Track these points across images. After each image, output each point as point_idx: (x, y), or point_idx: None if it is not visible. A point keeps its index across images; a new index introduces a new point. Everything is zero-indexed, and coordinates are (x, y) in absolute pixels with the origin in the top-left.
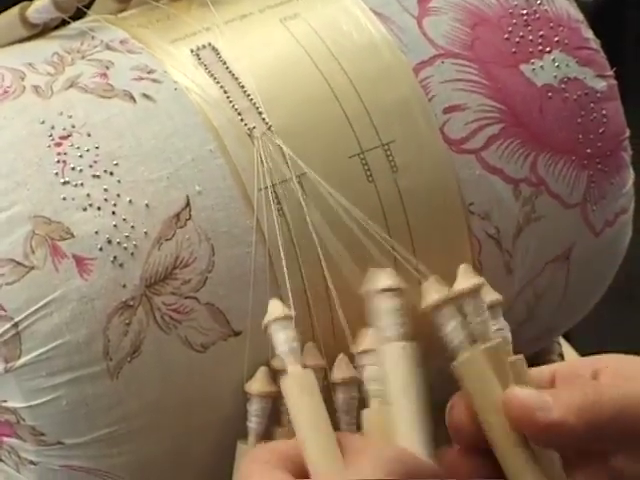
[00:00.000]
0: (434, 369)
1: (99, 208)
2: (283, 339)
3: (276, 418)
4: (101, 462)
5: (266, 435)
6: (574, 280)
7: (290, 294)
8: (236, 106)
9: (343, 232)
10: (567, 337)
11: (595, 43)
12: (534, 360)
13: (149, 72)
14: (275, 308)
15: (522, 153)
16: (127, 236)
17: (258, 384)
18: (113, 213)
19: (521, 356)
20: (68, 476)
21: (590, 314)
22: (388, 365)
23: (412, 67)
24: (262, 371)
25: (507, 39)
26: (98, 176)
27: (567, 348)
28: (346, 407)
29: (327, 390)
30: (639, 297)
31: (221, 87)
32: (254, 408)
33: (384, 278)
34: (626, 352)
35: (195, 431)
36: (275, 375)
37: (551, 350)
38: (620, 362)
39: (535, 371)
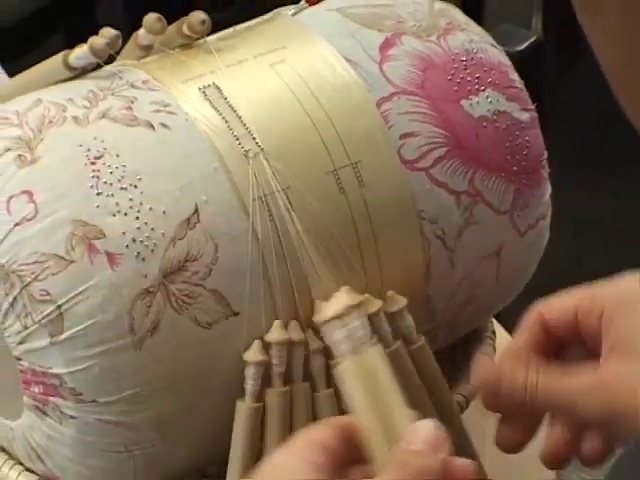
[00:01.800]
0: None
1: (126, 214)
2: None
3: (268, 381)
4: (127, 416)
5: (260, 395)
6: (504, 272)
7: (278, 283)
8: (235, 133)
9: (319, 234)
10: (498, 317)
11: (519, 83)
12: (471, 335)
13: (165, 106)
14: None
15: (462, 170)
16: (148, 236)
17: (254, 353)
18: (137, 218)
19: (421, 343)
20: (100, 428)
21: (516, 299)
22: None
23: (375, 102)
24: (257, 343)
25: (450, 80)
26: (125, 188)
27: (498, 327)
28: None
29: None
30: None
31: (223, 118)
32: (251, 373)
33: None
34: None
35: (202, 392)
36: (266, 347)
37: (486, 327)
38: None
39: (558, 309)
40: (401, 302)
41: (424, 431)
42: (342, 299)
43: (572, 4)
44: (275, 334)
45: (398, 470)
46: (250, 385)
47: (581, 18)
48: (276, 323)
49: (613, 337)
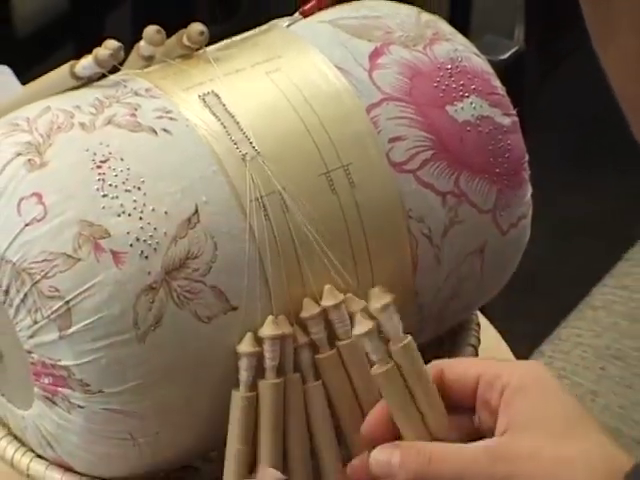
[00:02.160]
0: None
1: (129, 215)
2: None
3: (260, 372)
4: (131, 406)
5: (253, 385)
6: (487, 268)
7: (273, 279)
8: (233, 138)
9: (312, 233)
10: (482, 310)
11: (502, 90)
12: (456, 327)
13: (167, 112)
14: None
15: (448, 172)
16: (151, 235)
17: (246, 346)
18: (140, 218)
19: (408, 339)
20: (107, 417)
21: (499, 294)
22: None
23: (365, 108)
24: (249, 336)
25: (436, 87)
26: (129, 190)
27: (482, 319)
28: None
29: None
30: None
31: (221, 124)
32: (244, 364)
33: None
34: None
35: (201, 383)
36: (259, 340)
37: (471, 320)
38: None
39: (460, 371)
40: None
41: None
42: (326, 298)
43: (555, 18)
44: (268, 329)
45: None
46: (244, 376)
47: (597, 49)
48: (269, 318)
49: (510, 417)
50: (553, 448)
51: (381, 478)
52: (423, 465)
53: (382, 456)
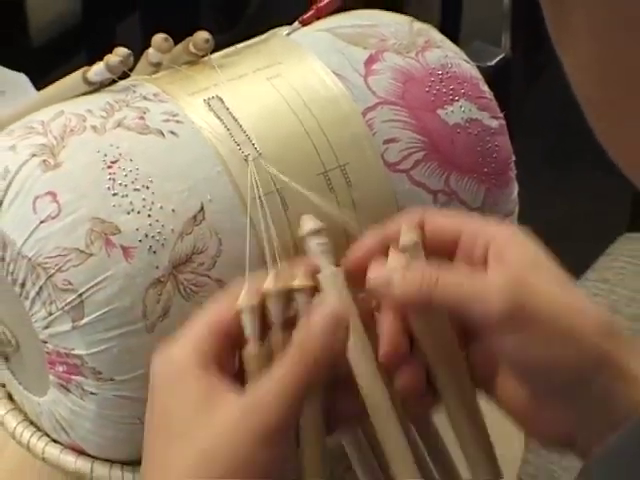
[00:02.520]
0: None
1: (139, 212)
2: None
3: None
4: (140, 392)
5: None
6: None
7: (272, 269)
8: (236, 140)
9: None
10: None
11: (489, 94)
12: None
13: (174, 115)
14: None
15: (439, 172)
16: (159, 232)
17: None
18: (149, 216)
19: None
20: (117, 403)
21: None
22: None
23: (361, 111)
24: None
25: (428, 91)
26: (138, 189)
27: None
28: None
29: None
30: None
31: (225, 126)
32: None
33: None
34: None
35: None
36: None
37: None
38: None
39: (441, 223)
40: None
41: (323, 311)
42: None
43: (539, 27)
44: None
45: (296, 352)
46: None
47: (560, 55)
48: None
49: (507, 265)
50: (562, 292)
51: (377, 287)
52: (428, 282)
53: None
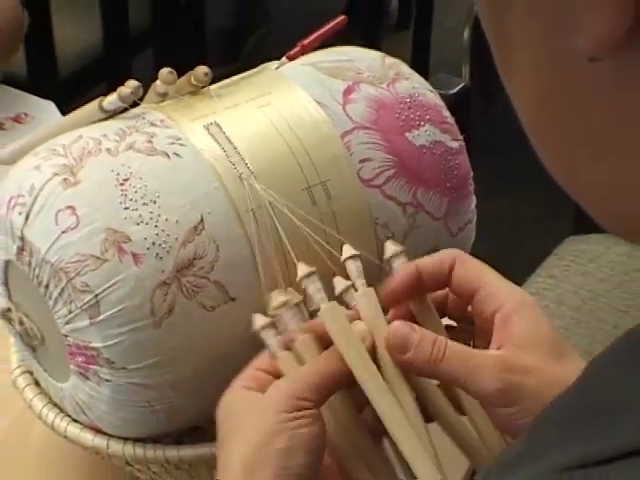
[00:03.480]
0: None
1: (147, 223)
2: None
3: None
4: (149, 380)
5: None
6: None
7: (265, 274)
8: (231, 160)
9: (295, 236)
10: None
11: (451, 119)
12: None
13: (178, 139)
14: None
15: (407, 187)
16: (164, 240)
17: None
18: (155, 226)
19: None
20: (129, 389)
21: None
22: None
23: (340, 135)
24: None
25: (397, 117)
26: (146, 204)
27: None
28: None
29: None
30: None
31: (222, 149)
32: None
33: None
34: None
35: (208, 360)
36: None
37: None
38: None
39: (462, 273)
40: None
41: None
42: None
43: (493, 61)
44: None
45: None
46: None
47: (504, 81)
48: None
49: (507, 334)
50: (551, 367)
51: (394, 348)
52: (436, 356)
53: (403, 328)
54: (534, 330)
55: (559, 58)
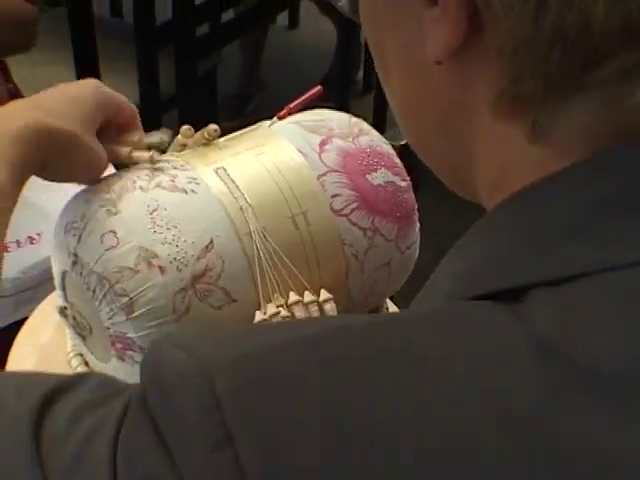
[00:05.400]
0: None
1: (170, 243)
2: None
3: None
4: None
5: None
6: (393, 273)
7: (259, 283)
8: (234, 195)
9: (282, 255)
10: (391, 298)
11: (400, 164)
12: (375, 309)
13: (194, 179)
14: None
15: (367, 216)
16: (183, 257)
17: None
18: (177, 246)
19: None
20: None
21: (401, 288)
22: None
23: (316, 177)
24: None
25: (360, 163)
26: (169, 228)
27: (391, 305)
28: None
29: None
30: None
31: (227, 187)
32: None
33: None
34: None
35: None
36: None
37: (382, 305)
38: None
39: None
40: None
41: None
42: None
43: None
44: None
45: None
46: None
47: (382, 83)
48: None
49: None
50: None
51: None
52: None
53: None
54: None
55: (415, 62)
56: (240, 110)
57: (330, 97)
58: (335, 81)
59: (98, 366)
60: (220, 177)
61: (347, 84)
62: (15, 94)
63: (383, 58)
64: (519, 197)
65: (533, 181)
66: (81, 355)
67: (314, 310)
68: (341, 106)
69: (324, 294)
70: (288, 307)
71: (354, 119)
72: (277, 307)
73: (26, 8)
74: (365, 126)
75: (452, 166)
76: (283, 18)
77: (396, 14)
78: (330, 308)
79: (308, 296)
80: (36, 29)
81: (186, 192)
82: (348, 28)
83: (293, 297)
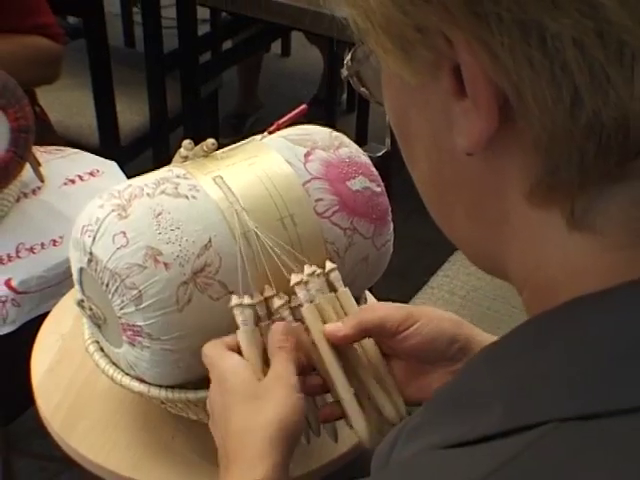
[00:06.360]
0: None
1: (173, 243)
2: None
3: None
4: (176, 347)
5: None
6: (370, 268)
7: (253, 277)
8: (230, 200)
9: (273, 253)
10: (370, 290)
11: (376, 173)
12: (355, 299)
13: (194, 187)
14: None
15: (347, 217)
16: (185, 254)
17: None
18: (179, 245)
19: (346, 290)
20: (162, 352)
21: (377, 281)
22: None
23: (302, 183)
24: (247, 297)
25: (340, 171)
26: (173, 229)
27: (369, 296)
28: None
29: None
30: (402, 274)
31: (224, 193)
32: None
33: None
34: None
35: (215, 335)
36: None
37: (361, 296)
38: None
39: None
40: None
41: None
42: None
43: None
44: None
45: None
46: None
47: (409, 168)
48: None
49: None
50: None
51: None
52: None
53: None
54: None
55: (443, 151)
56: (239, 128)
57: (318, 116)
58: (322, 102)
59: (112, 351)
60: (217, 184)
61: (333, 104)
62: (40, 115)
63: (410, 148)
64: (576, 308)
65: (586, 288)
66: (97, 342)
67: (322, 281)
68: (328, 123)
69: (329, 264)
70: (291, 288)
71: (335, 133)
72: (264, 298)
73: (55, 47)
74: (345, 139)
75: (484, 252)
76: (276, 47)
77: (423, 106)
78: (335, 277)
79: (308, 269)
80: (61, 64)
81: (187, 198)
82: (334, 56)
83: (295, 278)
